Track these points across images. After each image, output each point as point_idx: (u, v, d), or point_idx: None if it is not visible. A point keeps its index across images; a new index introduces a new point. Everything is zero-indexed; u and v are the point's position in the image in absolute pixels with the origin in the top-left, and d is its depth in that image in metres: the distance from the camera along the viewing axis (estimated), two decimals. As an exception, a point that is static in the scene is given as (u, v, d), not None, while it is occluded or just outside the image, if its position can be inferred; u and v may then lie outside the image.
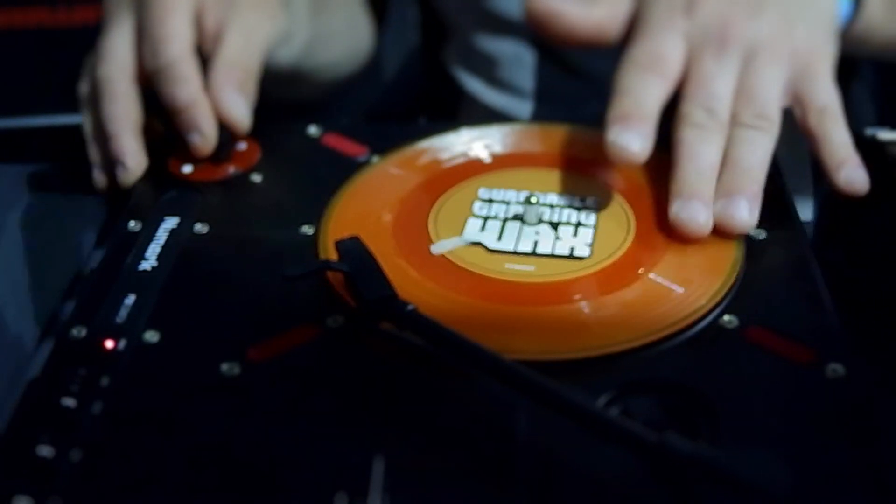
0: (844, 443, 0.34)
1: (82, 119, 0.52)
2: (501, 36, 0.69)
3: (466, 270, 0.43)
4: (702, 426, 0.35)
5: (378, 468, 0.34)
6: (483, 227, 0.46)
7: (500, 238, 0.45)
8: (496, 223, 0.46)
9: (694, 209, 0.44)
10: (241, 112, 0.50)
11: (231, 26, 0.51)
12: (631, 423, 0.34)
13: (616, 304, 0.41)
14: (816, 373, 0.37)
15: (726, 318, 0.40)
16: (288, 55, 0.58)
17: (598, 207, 0.47)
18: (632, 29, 0.51)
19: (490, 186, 0.49)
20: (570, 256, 0.44)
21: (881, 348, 0.39)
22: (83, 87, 0.52)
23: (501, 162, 0.52)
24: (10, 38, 0.66)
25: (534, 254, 0.44)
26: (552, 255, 0.44)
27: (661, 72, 0.48)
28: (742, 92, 0.47)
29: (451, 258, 0.44)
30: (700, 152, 0.46)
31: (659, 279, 0.42)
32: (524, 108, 0.71)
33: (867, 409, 0.36)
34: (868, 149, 0.51)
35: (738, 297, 0.41)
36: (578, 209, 0.47)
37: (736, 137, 0.46)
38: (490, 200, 0.48)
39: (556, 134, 0.53)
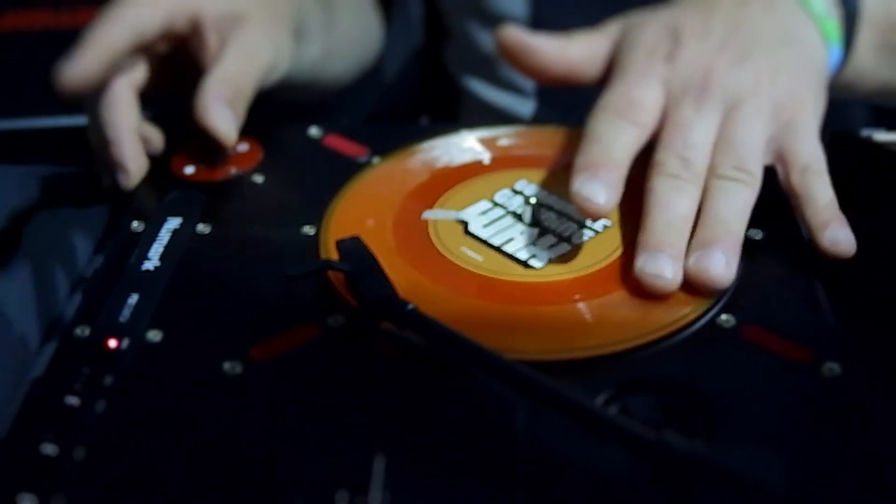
0: (841, 441, 0.34)
1: (87, 124, 0.52)
2: None
3: (466, 270, 0.44)
4: (699, 425, 0.35)
5: (379, 466, 0.34)
6: (485, 212, 0.47)
7: (486, 225, 0.46)
8: (500, 212, 0.47)
9: (661, 263, 0.41)
10: (226, 126, 0.49)
11: (232, 46, 0.50)
12: (629, 422, 0.34)
13: (615, 304, 0.41)
14: (813, 371, 0.37)
15: (723, 317, 0.40)
16: (297, 70, 0.57)
17: (602, 230, 0.46)
18: (609, 73, 0.49)
19: (531, 181, 0.49)
20: (524, 263, 0.44)
21: (877, 347, 0.39)
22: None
23: (502, 163, 0.52)
24: (14, 41, 0.66)
25: (497, 249, 0.45)
26: (509, 256, 0.44)
27: (634, 118, 0.46)
28: (722, 143, 0.45)
29: (429, 231, 0.45)
30: (671, 202, 0.43)
31: (581, 307, 0.41)
32: (525, 107, 0.71)
33: (863, 407, 0.36)
34: (863, 149, 0.51)
35: (735, 296, 0.41)
36: (581, 226, 0.46)
37: (713, 188, 0.44)
38: (520, 193, 0.48)
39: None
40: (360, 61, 0.70)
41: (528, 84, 0.70)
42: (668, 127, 0.46)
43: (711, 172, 0.44)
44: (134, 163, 0.50)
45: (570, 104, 0.68)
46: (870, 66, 0.53)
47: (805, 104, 0.47)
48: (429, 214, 0.46)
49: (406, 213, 0.48)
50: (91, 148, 0.52)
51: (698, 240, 0.42)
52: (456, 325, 0.38)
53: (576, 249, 0.45)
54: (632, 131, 0.46)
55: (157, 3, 0.50)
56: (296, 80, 0.58)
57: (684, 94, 0.46)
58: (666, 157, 0.45)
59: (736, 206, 0.43)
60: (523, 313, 0.41)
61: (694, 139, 0.45)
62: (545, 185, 0.49)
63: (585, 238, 0.45)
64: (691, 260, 0.42)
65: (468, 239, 0.45)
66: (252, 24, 0.52)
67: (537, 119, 0.70)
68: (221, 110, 0.49)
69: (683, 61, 0.47)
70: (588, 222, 0.46)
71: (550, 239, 0.45)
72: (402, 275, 0.43)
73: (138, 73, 0.50)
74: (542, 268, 0.43)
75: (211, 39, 0.51)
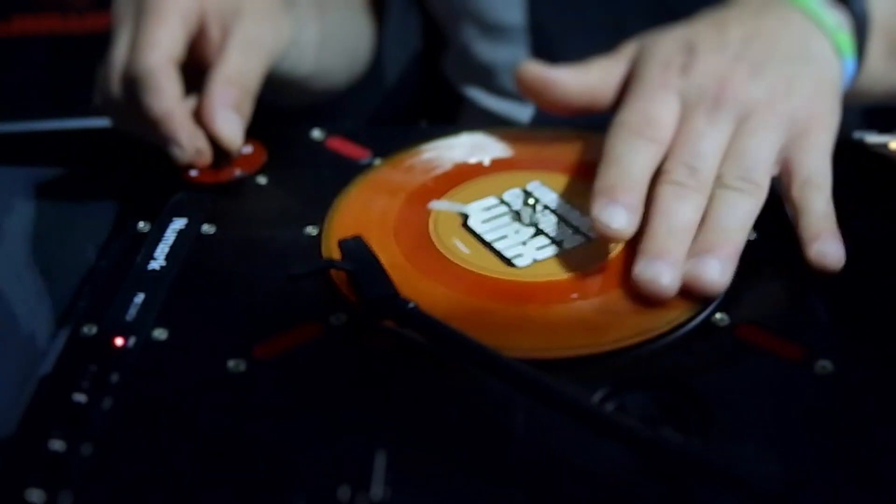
0: (833, 437, 0.35)
1: (120, 113, 0.51)
2: (498, 43, 0.69)
3: (466, 269, 0.44)
4: (694, 421, 0.36)
5: (380, 461, 0.34)
6: (489, 208, 0.47)
7: (485, 221, 0.46)
8: (503, 209, 0.47)
9: (657, 269, 0.41)
10: (232, 132, 0.49)
11: (233, 39, 0.50)
12: (625, 419, 0.35)
13: (612, 303, 0.42)
14: (806, 369, 0.38)
15: (718, 316, 0.41)
16: (293, 61, 0.57)
17: (594, 238, 0.46)
18: (626, 88, 0.49)
19: (543, 183, 0.49)
20: (508, 261, 0.44)
21: (868, 345, 0.39)
22: (97, 99, 0.52)
23: (501, 165, 0.52)
24: (23, 45, 0.66)
25: (487, 244, 0.45)
26: (496, 253, 0.45)
27: (651, 136, 0.46)
28: (731, 153, 0.45)
29: (429, 227, 0.46)
30: (674, 210, 0.43)
31: (579, 306, 0.42)
32: (523, 112, 0.71)
33: (855, 404, 0.36)
34: (856, 152, 0.52)
35: (730, 295, 0.42)
36: (577, 232, 0.46)
37: (717, 197, 0.44)
38: (530, 194, 0.48)
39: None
40: (349, 61, 0.69)
41: None
42: (679, 136, 0.46)
43: (718, 181, 0.44)
44: (185, 134, 0.49)
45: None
46: (880, 72, 0.53)
47: (819, 118, 0.47)
48: (435, 204, 0.47)
49: (407, 212, 0.48)
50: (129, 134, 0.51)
51: (696, 246, 0.42)
52: (456, 324, 0.39)
53: (564, 253, 0.45)
54: (650, 149, 0.45)
55: (171, 17, 0.49)
56: (285, 74, 0.57)
57: (698, 104, 0.46)
58: (673, 166, 0.45)
59: (737, 215, 0.43)
60: (522, 312, 0.42)
61: (703, 149, 0.45)
62: (557, 189, 0.49)
63: (577, 244, 0.45)
64: (688, 266, 0.42)
65: (463, 232, 0.46)
66: (250, 13, 0.52)
67: (535, 123, 0.70)
68: (226, 115, 0.49)
69: (699, 73, 0.47)
70: (583, 230, 0.46)
71: (542, 240, 0.46)
72: (402, 273, 0.43)
73: (175, 48, 0.50)
74: (525, 268, 0.44)
75: (214, 32, 0.51)
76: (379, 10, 0.74)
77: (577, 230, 0.46)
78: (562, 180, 0.50)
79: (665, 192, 0.44)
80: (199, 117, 0.50)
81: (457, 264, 0.45)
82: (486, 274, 0.44)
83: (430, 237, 0.46)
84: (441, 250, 0.45)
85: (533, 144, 0.54)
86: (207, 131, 0.50)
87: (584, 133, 0.53)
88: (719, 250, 0.42)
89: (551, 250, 0.45)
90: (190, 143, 0.49)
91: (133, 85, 0.49)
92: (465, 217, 0.47)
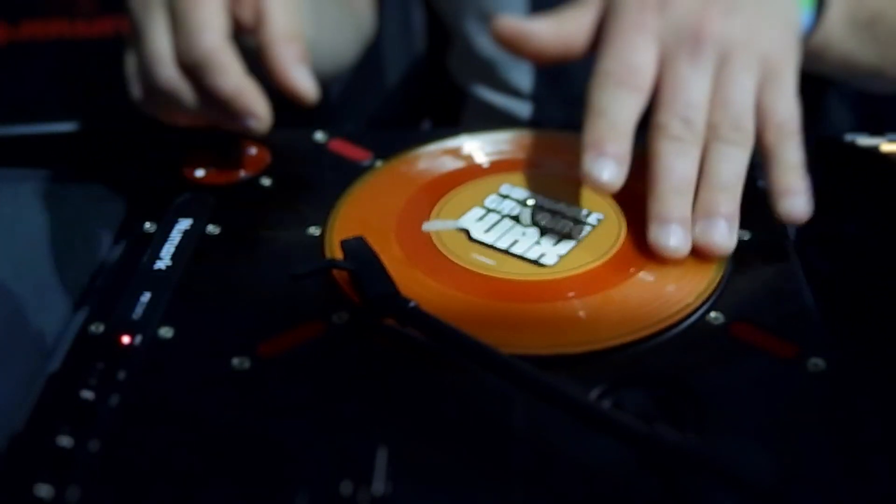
0: (825, 434, 0.35)
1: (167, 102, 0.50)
2: None
3: (465, 269, 0.44)
4: (690, 418, 0.36)
5: (381, 458, 0.35)
6: (482, 218, 0.47)
7: (487, 231, 0.47)
8: (495, 217, 0.48)
9: (672, 233, 0.43)
10: (309, 85, 0.49)
11: None
12: (622, 416, 0.35)
13: (609, 301, 0.42)
14: (799, 367, 0.38)
15: (713, 314, 0.41)
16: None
17: (596, 224, 0.47)
18: (603, 30, 0.48)
19: (514, 184, 0.50)
20: (535, 262, 0.45)
21: (860, 343, 0.40)
22: (135, 92, 0.50)
23: (501, 166, 0.53)
24: (31, 49, 0.67)
25: (506, 252, 0.45)
26: (520, 257, 0.45)
27: (635, 84, 0.46)
28: (718, 100, 0.46)
29: (433, 239, 0.46)
30: (676, 167, 0.44)
31: (576, 304, 0.42)
32: (524, 108, 0.70)
33: (847, 401, 0.37)
34: (848, 153, 0.52)
35: (724, 294, 0.42)
36: (577, 222, 0.47)
37: (713, 152, 0.45)
38: (507, 196, 0.49)
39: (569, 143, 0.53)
40: (350, 33, 0.68)
41: (526, 86, 0.70)
42: (666, 85, 0.46)
43: (711, 132, 0.45)
44: (261, 105, 0.48)
45: (566, 103, 0.68)
46: (836, 37, 0.54)
47: (787, 56, 0.48)
48: (428, 226, 0.47)
49: (407, 213, 0.49)
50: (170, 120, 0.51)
51: (702, 206, 0.44)
52: (456, 322, 0.39)
53: (579, 245, 0.46)
54: (634, 98, 0.46)
55: None
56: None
57: (678, 47, 0.46)
58: (668, 119, 0.45)
59: (734, 169, 0.45)
60: (520, 310, 0.42)
61: (693, 98, 0.45)
62: (529, 187, 0.50)
63: (584, 233, 0.46)
64: (697, 229, 0.43)
65: (474, 245, 0.46)
66: None
67: (536, 119, 0.70)
68: (298, 70, 0.49)
69: (675, 12, 0.47)
70: (583, 217, 0.47)
71: (553, 237, 0.46)
72: (403, 272, 0.43)
73: (224, 24, 0.49)
74: (554, 265, 0.44)
75: None
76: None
77: (576, 220, 0.47)
78: (533, 179, 0.51)
79: (665, 149, 0.45)
80: (274, 82, 0.49)
81: (456, 264, 0.45)
82: (485, 273, 0.44)
83: (430, 237, 0.47)
84: (441, 250, 0.46)
85: (511, 146, 0.54)
86: (284, 90, 0.49)
87: (552, 132, 0.55)
88: (725, 211, 0.44)
89: (567, 244, 0.46)
90: (266, 113, 0.49)
91: (195, 70, 0.48)
92: (467, 231, 0.47)
